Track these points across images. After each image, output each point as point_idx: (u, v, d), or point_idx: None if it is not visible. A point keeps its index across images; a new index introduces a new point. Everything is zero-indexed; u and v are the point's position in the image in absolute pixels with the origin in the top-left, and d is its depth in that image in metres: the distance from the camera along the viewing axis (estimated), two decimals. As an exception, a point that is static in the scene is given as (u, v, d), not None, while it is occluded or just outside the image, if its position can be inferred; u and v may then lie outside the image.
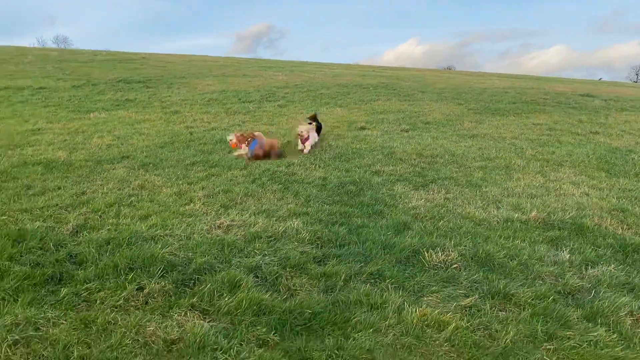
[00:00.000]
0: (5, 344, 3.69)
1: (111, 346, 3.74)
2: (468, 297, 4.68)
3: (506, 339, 4.01)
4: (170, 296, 4.54)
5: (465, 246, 5.77)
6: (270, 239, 5.96)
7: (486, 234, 6.31)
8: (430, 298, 4.62)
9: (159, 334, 3.92)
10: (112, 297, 4.46)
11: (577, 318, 4.40)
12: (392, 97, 20.09)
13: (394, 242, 5.80)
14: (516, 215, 7.03)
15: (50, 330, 3.91)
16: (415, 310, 4.31)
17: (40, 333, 3.87)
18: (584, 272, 5.33)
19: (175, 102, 18.36)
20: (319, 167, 9.54)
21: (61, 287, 4.62)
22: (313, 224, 6.41)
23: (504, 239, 6.17)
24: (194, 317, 4.19)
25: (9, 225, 6.10)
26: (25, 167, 9.16)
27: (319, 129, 11.72)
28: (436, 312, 4.33)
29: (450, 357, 3.83)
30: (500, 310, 4.51)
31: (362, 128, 13.68)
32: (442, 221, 6.68)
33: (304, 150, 10.84)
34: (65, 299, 4.42)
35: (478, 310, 4.48)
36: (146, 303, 4.44)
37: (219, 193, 7.73)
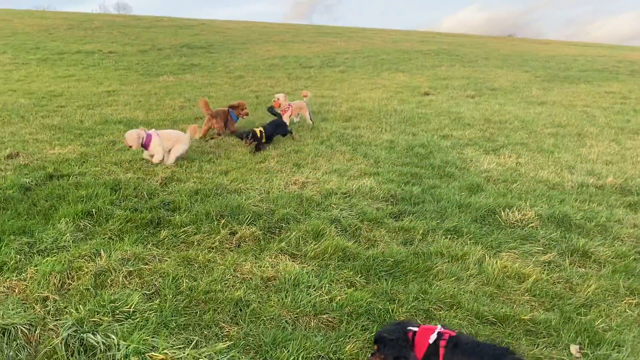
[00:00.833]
0: (121, 274, 4.12)
1: (215, 280, 4.10)
2: (546, 253, 4.77)
3: (587, 292, 4.11)
4: (260, 241, 4.87)
5: (541, 207, 5.82)
6: (345, 195, 6.18)
7: (561, 197, 6.31)
8: (508, 253, 4.74)
9: (255, 271, 4.26)
10: (207, 239, 4.83)
11: (659, 278, 4.42)
12: (455, 63, 19.73)
13: (468, 202, 5.91)
14: (591, 180, 6.96)
15: (158, 264, 4.32)
16: (496, 262, 4.46)
17: (150, 267, 4.28)
18: (664, 236, 5.29)
19: (238, 67, 18.75)
20: (386, 130, 9.65)
21: (160, 230, 5.04)
22: (385, 183, 6.58)
23: (580, 202, 6.16)
24: (284, 260, 4.50)
25: (104, 176, 6.60)
26: (107, 124, 9.73)
27: (268, 137, 8.33)
28: (516, 265, 4.46)
29: (531, 305, 3.97)
30: (580, 267, 4.60)
31: (426, 93, 13.60)
32: (515, 184, 6.71)
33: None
34: (166, 240, 4.83)
35: (557, 266, 4.57)
36: (239, 246, 4.79)
37: (290, 153, 8.00)
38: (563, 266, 4.55)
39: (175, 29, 31.93)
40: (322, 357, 3.27)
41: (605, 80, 16.39)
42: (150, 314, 3.59)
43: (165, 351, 3.17)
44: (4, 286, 3.95)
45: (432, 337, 2.94)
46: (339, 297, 3.90)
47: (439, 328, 3.01)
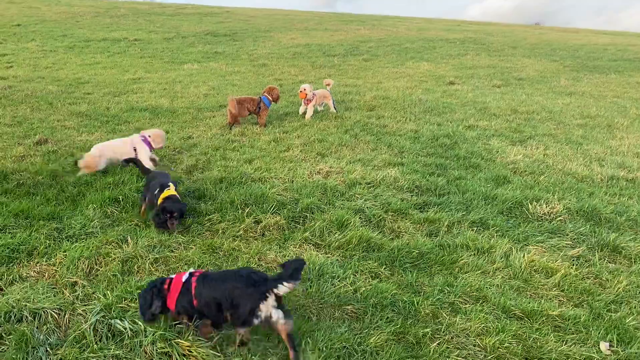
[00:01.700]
0: (148, 261, 4.17)
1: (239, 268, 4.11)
2: (575, 247, 4.68)
3: (618, 288, 4.02)
4: (284, 230, 4.88)
5: (570, 200, 5.70)
6: (369, 185, 6.14)
7: (590, 189, 6.18)
8: (536, 247, 4.66)
9: (279, 260, 4.26)
10: (232, 228, 4.85)
11: (693, 275, 4.30)
12: (481, 52, 19.39)
13: (495, 194, 5.82)
14: (622, 173, 6.79)
15: (184, 252, 4.36)
16: (524, 256, 4.39)
17: (175, 254, 4.32)
18: (699, 232, 5.14)
19: (262, 55, 18.73)
20: (410, 120, 9.55)
21: (186, 217, 5.07)
22: (410, 174, 6.51)
23: (610, 195, 6.02)
24: (308, 249, 4.50)
25: (130, 163, 6.67)
26: (133, 112, 9.83)
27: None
28: (544, 259, 4.38)
29: (560, 301, 3.90)
30: (610, 262, 4.50)
31: (451, 83, 13.41)
32: (542, 176, 6.58)
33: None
34: (191, 227, 4.87)
35: (586, 261, 4.48)
36: (263, 235, 4.80)
37: (314, 142, 7.97)
38: (592, 261, 4.46)
39: (199, 17, 31.99)
40: (347, 348, 3.27)
41: (637, 71, 15.94)
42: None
43: (190, 337, 3.20)
44: (34, 270, 4.04)
45: (185, 277, 3.33)
46: (363, 288, 3.89)
47: (190, 270, 3.47)
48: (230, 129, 8.71)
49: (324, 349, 3.21)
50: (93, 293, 3.74)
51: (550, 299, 3.92)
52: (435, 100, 11.27)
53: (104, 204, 5.21)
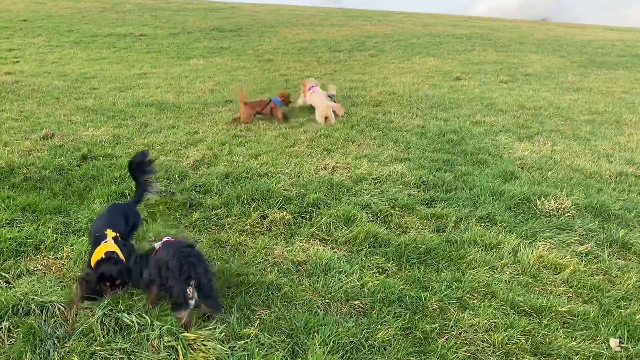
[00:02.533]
0: (154, 255, 4.16)
1: (246, 263, 4.12)
2: (583, 244, 4.65)
3: (627, 285, 3.99)
4: (291, 225, 4.86)
5: (578, 196, 5.66)
6: (375, 181, 6.12)
7: (598, 186, 6.13)
8: (544, 243, 4.62)
9: (286, 255, 4.26)
10: (239, 222, 4.85)
11: None
12: (488, 47, 19.28)
13: (502, 190, 5.79)
14: (630, 169, 6.74)
15: (190, 246, 4.35)
16: (532, 252, 4.36)
17: (182, 248, 4.31)
18: None
19: (267, 50, 18.68)
20: (416, 115, 9.50)
21: (192, 212, 5.07)
22: (417, 169, 6.48)
23: (619, 192, 5.97)
24: (315, 244, 4.49)
25: (137, 157, 6.67)
26: (139, 107, 9.82)
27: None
28: (552, 255, 4.36)
29: (569, 297, 3.87)
30: (619, 258, 4.47)
31: (458, 78, 13.34)
32: (550, 172, 6.54)
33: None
34: (198, 222, 4.87)
35: (595, 257, 4.45)
36: (270, 230, 4.79)
37: (320, 137, 7.94)
38: (601, 257, 4.43)
39: (205, 12, 31.95)
40: (354, 343, 3.25)
41: (646, 66, 15.81)
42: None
43: (198, 334, 3.19)
44: (41, 264, 4.04)
45: (158, 244, 3.60)
46: (370, 284, 3.87)
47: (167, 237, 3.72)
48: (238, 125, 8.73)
49: (331, 343, 3.20)
50: (100, 287, 3.74)
51: (559, 295, 3.89)
52: (441, 95, 11.21)
53: (111, 198, 5.22)
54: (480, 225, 4.98)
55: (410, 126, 8.72)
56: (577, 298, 3.86)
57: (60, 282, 3.82)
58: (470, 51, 18.45)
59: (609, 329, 3.48)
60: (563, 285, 4.01)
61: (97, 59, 16.35)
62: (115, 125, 8.28)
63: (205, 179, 5.94)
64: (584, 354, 3.25)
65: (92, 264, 3.54)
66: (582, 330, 3.48)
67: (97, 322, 3.29)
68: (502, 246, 4.50)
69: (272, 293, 3.76)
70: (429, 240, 4.58)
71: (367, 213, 5.15)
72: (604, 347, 3.32)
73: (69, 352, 3.11)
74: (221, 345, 3.15)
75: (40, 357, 3.07)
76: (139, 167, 4.40)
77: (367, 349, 3.22)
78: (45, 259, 4.11)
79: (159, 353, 3.09)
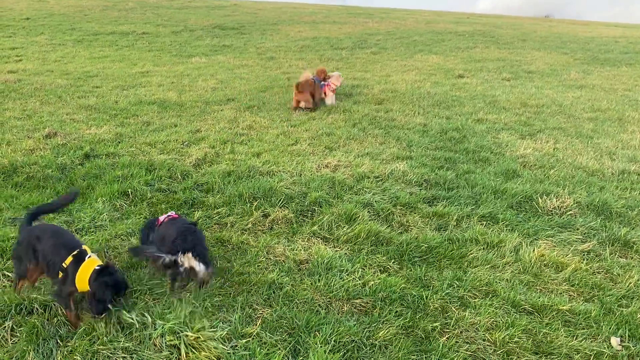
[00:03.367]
0: (157, 254, 4.17)
1: (248, 262, 4.13)
2: (585, 242, 4.65)
3: (629, 283, 3.99)
4: (292, 224, 4.87)
5: (580, 194, 5.65)
6: (377, 179, 6.12)
7: (601, 184, 6.12)
8: (546, 241, 4.63)
9: (288, 254, 4.27)
10: (241, 221, 4.86)
11: None
12: (490, 44, 19.24)
13: (504, 188, 5.79)
14: (633, 167, 6.73)
15: (192, 245, 4.36)
16: (533, 250, 4.36)
17: (184, 247, 4.32)
18: None
19: (269, 48, 18.68)
20: (419, 113, 9.50)
21: (194, 211, 5.09)
22: (418, 168, 6.49)
23: (621, 190, 5.96)
24: (317, 243, 4.50)
25: (139, 156, 6.69)
26: (141, 105, 9.83)
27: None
28: (554, 253, 4.35)
29: (570, 295, 3.87)
30: (621, 257, 4.46)
31: (460, 76, 13.32)
32: (552, 170, 6.53)
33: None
34: (200, 220, 4.87)
35: (597, 255, 4.45)
36: (271, 228, 4.80)
37: (322, 135, 7.94)
38: (603, 256, 4.43)
39: (207, 10, 31.95)
40: (355, 342, 3.26)
41: (649, 63, 15.77)
42: (186, 294, 3.64)
43: (200, 333, 3.20)
44: (44, 263, 4.05)
45: (162, 218, 4.13)
46: (372, 282, 3.88)
47: (171, 213, 4.24)
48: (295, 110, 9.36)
49: (333, 342, 3.21)
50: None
51: (561, 293, 3.90)
52: (444, 93, 11.20)
53: (113, 197, 5.23)
54: (482, 224, 4.98)
55: (413, 124, 8.71)
56: (579, 297, 3.87)
57: (63, 281, 3.83)
58: (472, 48, 18.42)
59: (610, 328, 3.48)
60: (564, 283, 4.01)
61: (99, 57, 16.36)
62: (117, 124, 8.30)
63: (207, 177, 5.95)
64: (585, 353, 3.25)
65: (77, 283, 3.27)
66: (584, 329, 3.49)
67: (99, 321, 3.30)
68: (503, 245, 4.51)
69: (274, 292, 3.77)
70: (431, 238, 4.59)
71: (368, 211, 5.16)
72: (605, 346, 3.32)
73: (71, 351, 3.12)
74: (223, 344, 3.16)
75: (44, 356, 3.09)
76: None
77: (368, 348, 3.23)
78: (48, 258, 4.12)
79: (161, 352, 3.11)
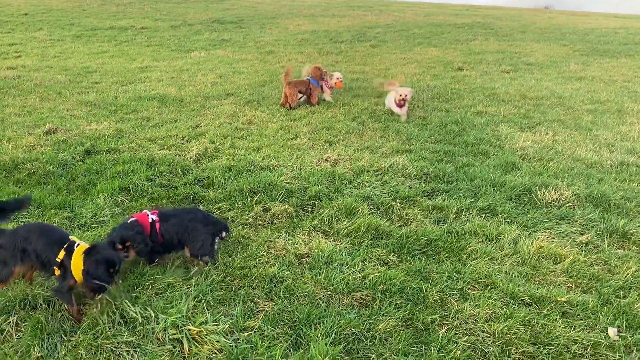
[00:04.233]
0: (158, 249, 4.21)
1: (249, 256, 4.17)
2: (583, 234, 4.68)
3: (627, 274, 4.02)
4: (293, 218, 4.91)
5: (578, 186, 5.68)
6: (377, 172, 6.15)
7: (599, 176, 6.15)
8: (544, 233, 4.66)
9: (288, 248, 4.30)
10: (241, 216, 4.90)
11: (703, 261, 4.29)
12: (490, 36, 19.21)
13: (503, 181, 5.82)
14: (632, 159, 6.75)
15: (194, 240, 4.39)
16: (532, 242, 4.39)
17: (186, 242, 4.36)
18: None
19: (269, 42, 18.65)
20: (418, 107, 9.51)
21: (196, 206, 5.11)
22: (418, 161, 6.51)
23: (619, 181, 5.99)
24: (317, 237, 4.53)
25: (140, 152, 6.71)
26: (141, 100, 9.84)
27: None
28: (552, 245, 4.39)
29: (568, 287, 3.91)
30: (619, 248, 4.50)
31: (460, 69, 13.32)
32: (551, 162, 6.56)
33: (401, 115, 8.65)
34: (201, 215, 4.90)
35: (595, 247, 4.49)
36: (272, 223, 4.84)
37: (322, 129, 7.96)
38: (601, 247, 4.46)
39: (206, 4, 31.86)
40: (356, 334, 3.31)
41: (649, 54, 15.75)
42: (188, 288, 3.68)
43: (202, 326, 3.24)
44: (47, 259, 4.08)
45: (151, 218, 3.99)
46: (372, 275, 3.92)
47: (148, 212, 4.06)
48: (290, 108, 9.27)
49: (333, 335, 3.25)
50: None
51: (559, 285, 3.94)
52: (443, 86, 11.21)
53: (115, 193, 5.26)
54: (481, 217, 5.02)
55: (412, 117, 8.73)
56: (577, 288, 3.90)
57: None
58: (472, 41, 18.39)
59: (607, 319, 3.52)
60: (563, 275, 4.05)
61: (98, 52, 16.34)
62: (117, 120, 8.31)
63: (207, 172, 5.98)
64: (583, 343, 3.29)
65: (74, 271, 3.31)
66: (581, 319, 3.53)
67: (103, 315, 3.35)
68: (502, 237, 4.54)
69: (275, 286, 3.81)
70: (430, 231, 4.62)
71: (368, 205, 5.19)
72: (603, 337, 3.36)
73: (75, 345, 3.17)
74: (225, 337, 3.20)
75: (48, 351, 3.13)
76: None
77: (368, 340, 3.27)
78: (51, 253, 4.15)
79: (164, 345, 3.15)
